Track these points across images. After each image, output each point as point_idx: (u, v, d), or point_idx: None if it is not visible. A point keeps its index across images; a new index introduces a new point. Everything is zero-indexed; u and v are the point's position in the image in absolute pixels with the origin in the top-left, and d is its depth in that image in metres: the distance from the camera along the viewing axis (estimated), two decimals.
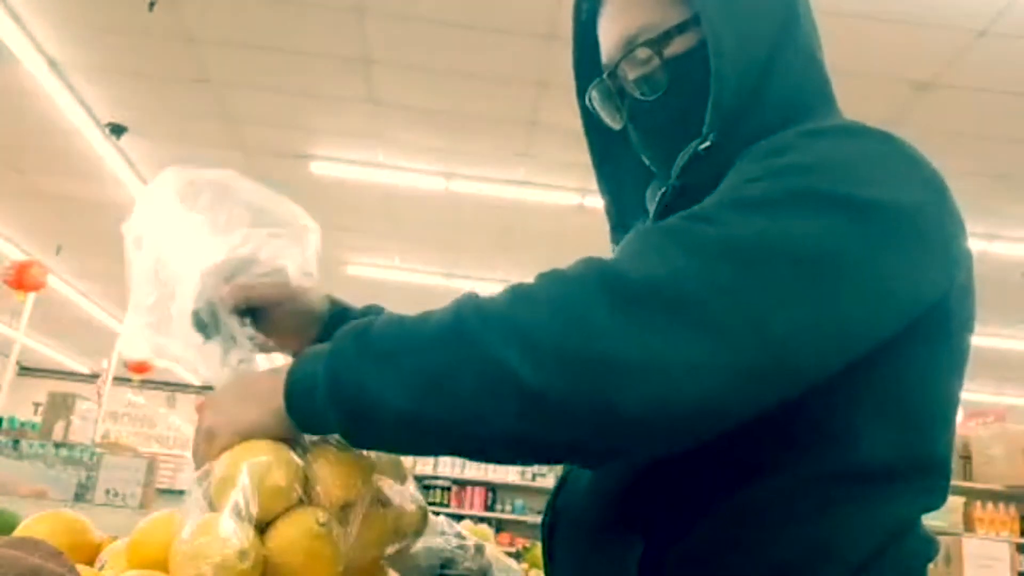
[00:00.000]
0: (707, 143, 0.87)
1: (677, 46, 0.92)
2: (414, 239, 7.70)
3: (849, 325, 0.71)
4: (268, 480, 0.74)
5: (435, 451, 0.77)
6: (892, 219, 0.73)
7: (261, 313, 0.99)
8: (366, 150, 6.10)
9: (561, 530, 0.92)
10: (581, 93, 1.03)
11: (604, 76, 0.96)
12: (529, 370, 0.65)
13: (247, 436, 0.77)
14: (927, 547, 0.82)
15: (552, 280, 0.70)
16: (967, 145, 5.27)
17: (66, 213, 7.88)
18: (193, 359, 0.90)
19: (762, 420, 0.72)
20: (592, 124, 1.04)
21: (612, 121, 0.99)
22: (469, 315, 0.71)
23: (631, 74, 0.93)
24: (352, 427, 0.73)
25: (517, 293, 0.70)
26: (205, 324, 0.92)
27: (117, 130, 5.97)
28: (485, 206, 6.56)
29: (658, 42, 0.92)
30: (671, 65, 0.92)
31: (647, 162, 0.99)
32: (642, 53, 0.92)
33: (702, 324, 0.65)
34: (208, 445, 0.79)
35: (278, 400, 0.76)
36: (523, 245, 7.44)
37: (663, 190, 0.93)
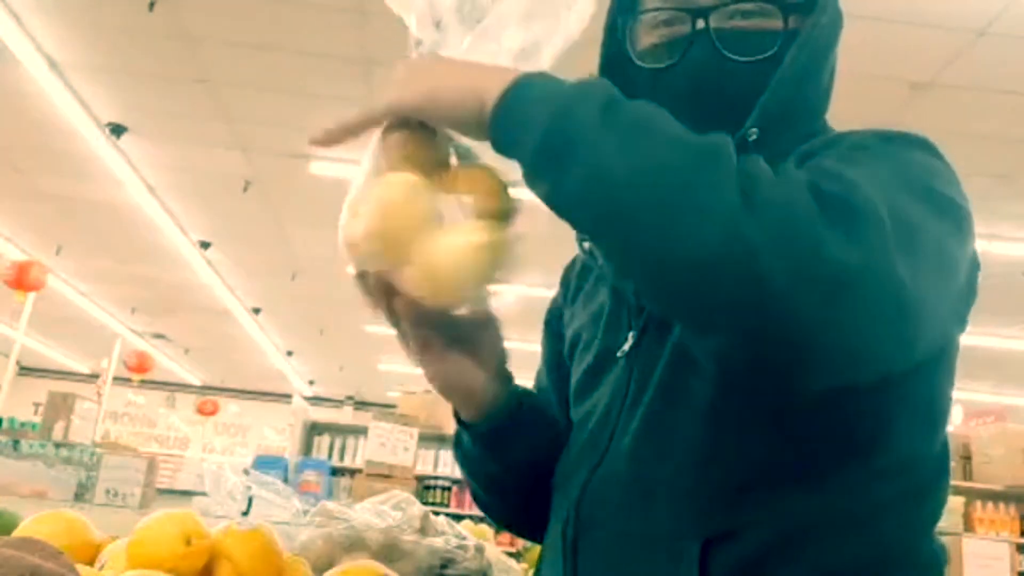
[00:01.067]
0: (754, 135, 0.85)
1: (793, 21, 0.89)
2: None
3: (952, 320, 0.75)
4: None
5: (606, 238, 0.69)
6: (969, 222, 0.76)
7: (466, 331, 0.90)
8: (366, 150, 6.09)
9: (593, 540, 0.84)
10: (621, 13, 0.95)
11: (679, 8, 0.88)
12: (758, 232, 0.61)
13: (428, 104, 0.74)
14: (943, 547, 0.86)
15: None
16: (967, 145, 5.27)
17: (66, 213, 7.89)
18: None
19: (822, 422, 0.73)
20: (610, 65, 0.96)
21: (655, 58, 0.90)
22: (727, 154, 0.65)
23: (729, 22, 0.87)
24: (554, 169, 0.68)
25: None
26: None
27: (117, 130, 5.97)
28: None
29: (784, 7, 0.88)
30: (782, 36, 0.87)
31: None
32: (762, 10, 0.87)
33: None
34: (400, 87, 0.75)
35: (492, 94, 0.72)
36: (523, 245, 7.42)
37: None
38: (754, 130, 0.85)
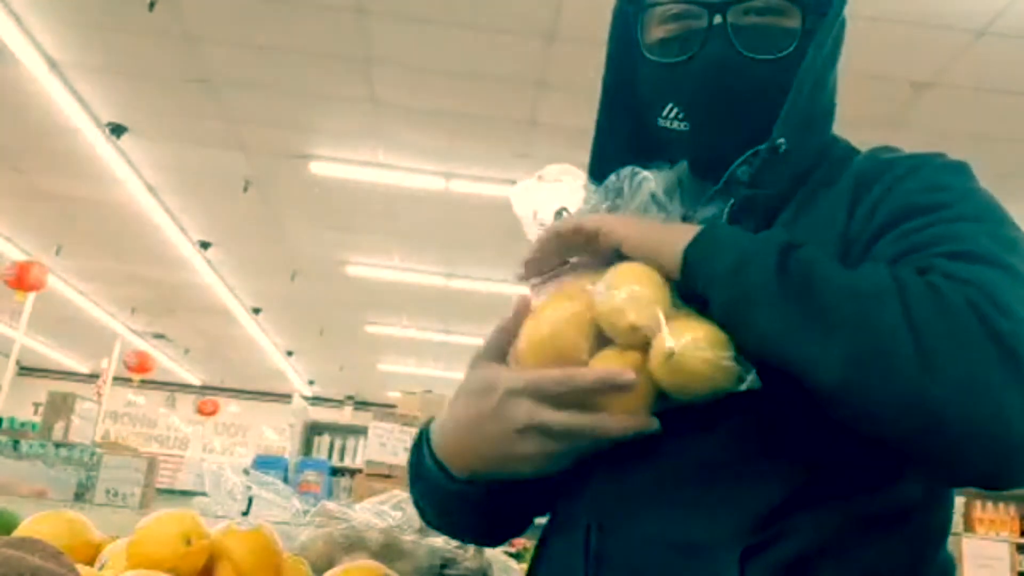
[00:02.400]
0: (784, 147, 0.85)
1: (812, 20, 0.89)
2: (414, 239, 7.71)
3: None
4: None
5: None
6: None
7: None
8: (366, 150, 6.10)
9: (621, 548, 0.81)
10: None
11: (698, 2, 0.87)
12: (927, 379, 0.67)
13: (642, 247, 0.79)
14: (952, 557, 0.89)
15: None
16: (967, 145, 5.25)
17: (66, 213, 7.89)
18: None
19: (866, 445, 0.74)
20: (611, 62, 0.97)
21: (667, 51, 0.89)
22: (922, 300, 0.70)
23: (746, 18, 0.86)
24: (741, 319, 0.74)
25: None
26: None
27: (117, 130, 5.97)
28: (485, 206, 6.56)
29: (803, 5, 0.88)
30: (799, 35, 0.88)
31: (674, 127, 0.90)
32: (779, 7, 0.87)
33: None
34: (615, 222, 0.80)
35: (677, 243, 0.77)
36: (523, 245, 7.42)
37: (731, 202, 0.88)
38: (782, 140, 0.85)
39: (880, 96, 4.77)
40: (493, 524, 0.96)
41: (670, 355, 0.73)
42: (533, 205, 0.92)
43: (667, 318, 0.75)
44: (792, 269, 0.72)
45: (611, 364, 0.76)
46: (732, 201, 0.88)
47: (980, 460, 0.68)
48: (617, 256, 0.81)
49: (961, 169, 0.85)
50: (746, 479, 0.78)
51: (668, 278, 0.78)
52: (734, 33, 0.85)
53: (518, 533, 0.99)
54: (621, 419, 0.76)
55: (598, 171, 0.92)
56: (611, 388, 0.74)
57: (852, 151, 0.93)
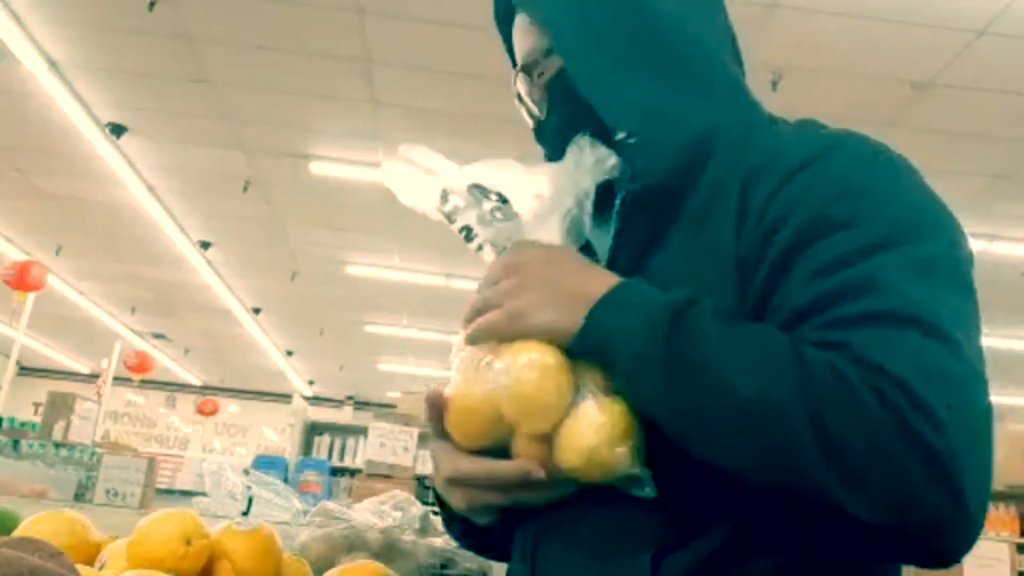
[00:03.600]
0: (632, 139, 0.85)
1: (549, 70, 0.94)
2: (414, 239, 7.70)
3: None
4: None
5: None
6: (967, 260, 0.76)
7: None
8: (366, 150, 6.10)
9: (551, 548, 0.86)
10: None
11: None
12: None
13: (539, 336, 0.77)
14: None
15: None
16: (967, 145, 5.27)
17: (66, 213, 7.89)
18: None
19: None
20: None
21: (534, 114, 0.98)
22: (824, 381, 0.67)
23: (525, 95, 0.97)
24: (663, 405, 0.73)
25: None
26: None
27: (117, 130, 5.97)
28: None
29: (530, 68, 0.95)
30: (547, 88, 0.94)
31: None
32: (522, 80, 0.96)
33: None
34: (509, 325, 0.79)
35: (574, 322, 0.76)
36: None
37: (621, 197, 0.87)
38: (623, 134, 0.85)
39: (880, 96, 4.77)
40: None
41: (565, 467, 0.75)
42: (417, 206, 0.92)
43: (568, 407, 0.75)
44: (681, 367, 0.70)
45: (524, 449, 0.78)
46: (618, 202, 0.86)
47: (917, 560, 0.69)
48: None
49: (876, 156, 0.78)
50: (657, 484, 0.77)
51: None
52: (531, 106, 0.97)
53: None
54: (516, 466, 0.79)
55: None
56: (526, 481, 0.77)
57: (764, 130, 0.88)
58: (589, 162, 0.84)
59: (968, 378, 0.68)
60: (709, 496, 0.75)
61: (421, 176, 0.90)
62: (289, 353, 13.52)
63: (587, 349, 0.75)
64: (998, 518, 6.12)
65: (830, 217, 0.73)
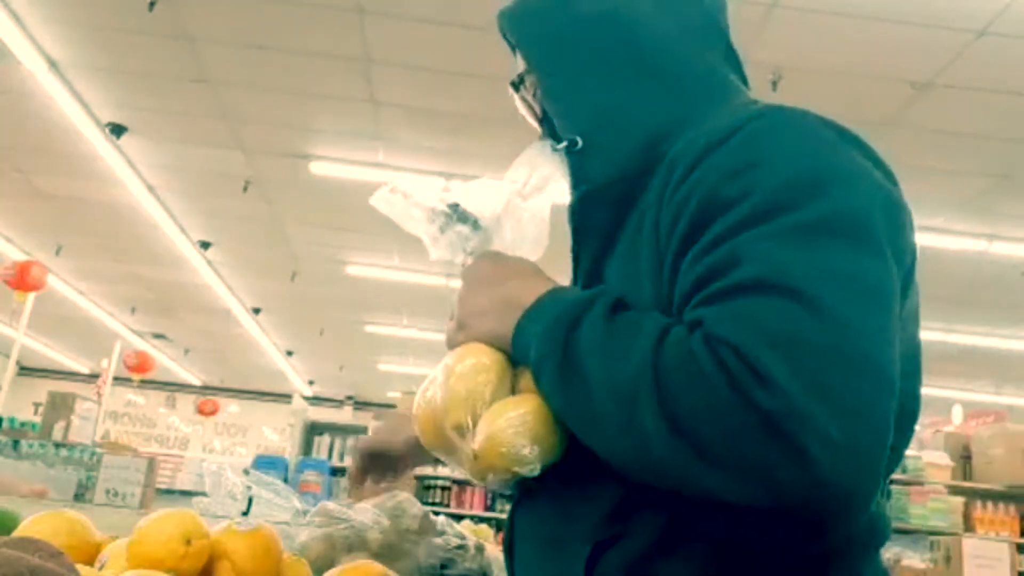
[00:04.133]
0: (578, 144, 0.91)
1: (532, 83, 1.01)
2: (414, 239, 7.66)
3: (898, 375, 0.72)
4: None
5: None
6: (872, 222, 0.73)
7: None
8: (366, 150, 6.10)
9: (520, 543, 0.93)
10: None
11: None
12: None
13: (484, 342, 0.86)
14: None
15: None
16: (967, 145, 5.27)
17: (66, 213, 7.89)
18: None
19: None
20: None
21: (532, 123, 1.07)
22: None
23: (521, 107, 1.05)
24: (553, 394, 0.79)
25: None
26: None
27: (117, 130, 5.97)
28: None
29: (517, 84, 1.04)
30: (537, 100, 1.01)
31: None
32: (515, 94, 1.05)
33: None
34: (457, 334, 0.89)
35: (509, 329, 0.83)
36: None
37: (570, 202, 0.96)
38: (574, 139, 0.92)
39: (880, 96, 4.77)
40: None
41: (474, 456, 0.81)
42: (405, 210, 1.02)
43: (492, 400, 0.82)
44: (568, 367, 0.75)
45: (464, 453, 0.83)
46: (569, 207, 0.95)
47: (796, 528, 0.67)
48: None
49: (781, 126, 0.76)
50: (595, 482, 0.82)
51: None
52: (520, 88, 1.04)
53: None
54: None
55: None
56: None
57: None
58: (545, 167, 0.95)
59: (828, 335, 0.64)
60: (640, 489, 0.76)
61: (409, 203, 1.00)
62: (289, 353, 13.52)
63: (518, 354, 0.83)
64: (998, 518, 6.12)
65: (720, 198, 0.72)
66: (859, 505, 0.65)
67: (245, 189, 6.84)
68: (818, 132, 0.76)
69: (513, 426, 0.80)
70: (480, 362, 0.84)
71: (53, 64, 5.19)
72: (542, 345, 0.78)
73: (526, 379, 0.83)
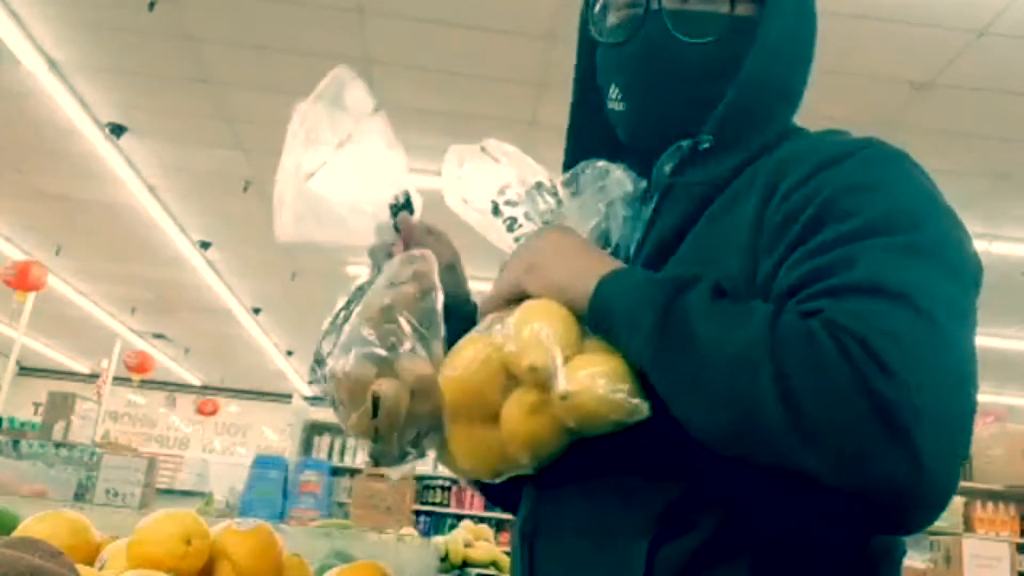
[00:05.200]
0: (705, 144, 0.89)
1: (744, 7, 0.92)
2: None
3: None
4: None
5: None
6: (965, 244, 0.80)
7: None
8: None
9: (549, 535, 0.89)
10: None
11: None
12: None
13: (549, 294, 0.82)
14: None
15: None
16: (967, 145, 5.26)
17: (66, 213, 7.88)
18: None
19: None
20: (581, 64, 1.03)
21: (614, 35, 0.94)
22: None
23: (681, 4, 0.91)
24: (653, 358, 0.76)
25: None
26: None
27: (117, 130, 5.97)
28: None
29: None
30: (731, 21, 0.91)
31: (615, 107, 0.95)
32: None
33: None
34: (525, 275, 0.84)
35: (586, 286, 0.80)
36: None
37: (651, 194, 0.93)
38: (707, 139, 0.89)
39: (880, 96, 4.77)
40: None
41: (564, 397, 0.75)
42: (462, 192, 1.00)
43: (570, 355, 0.77)
44: (671, 327, 0.73)
45: (514, 406, 0.79)
46: (656, 192, 0.92)
47: (872, 521, 0.70)
48: None
49: (893, 158, 0.83)
50: (654, 475, 0.81)
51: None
52: (669, 17, 0.90)
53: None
54: None
55: (571, 166, 0.99)
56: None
57: (803, 137, 0.94)
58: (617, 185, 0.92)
59: (940, 348, 0.68)
60: (701, 483, 0.78)
61: (482, 168, 0.97)
62: (289, 353, 13.51)
63: (595, 313, 0.79)
64: (998, 518, 6.12)
65: (836, 209, 0.77)
66: (939, 505, 0.69)
67: (245, 189, 6.83)
68: (920, 171, 0.83)
69: (613, 372, 0.76)
70: (560, 311, 0.80)
71: (53, 64, 5.19)
72: (637, 305, 0.75)
73: (591, 342, 0.80)
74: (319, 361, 0.88)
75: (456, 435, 0.83)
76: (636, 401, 0.75)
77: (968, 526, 6.00)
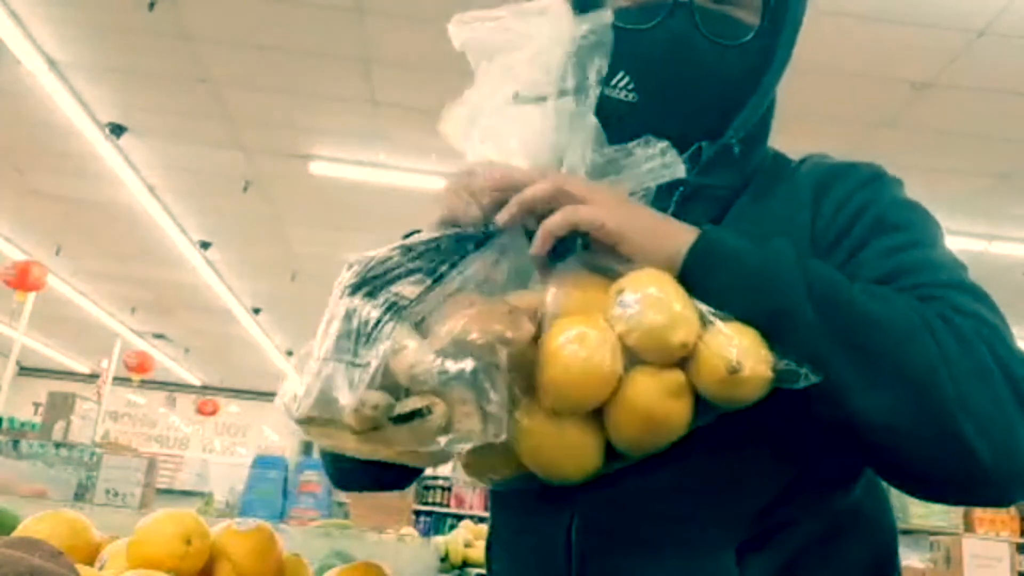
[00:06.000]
0: (735, 148, 0.90)
1: (768, 19, 0.90)
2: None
3: None
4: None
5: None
6: None
7: None
8: (366, 150, 6.10)
9: (607, 547, 0.80)
10: None
11: None
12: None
13: (638, 248, 0.75)
14: None
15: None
16: (967, 145, 5.26)
17: (66, 213, 7.88)
18: None
19: (848, 443, 0.77)
20: None
21: (629, 19, 0.88)
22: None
23: (712, 4, 0.87)
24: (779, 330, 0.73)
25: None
26: None
27: (117, 130, 5.97)
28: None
29: (766, 3, 0.89)
30: (759, 31, 0.89)
31: (621, 96, 0.89)
32: (749, 1, 0.88)
33: None
34: (612, 219, 0.75)
35: (686, 239, 0.76)
36: None
37: (680, 188, 0.88)
38: (735, 141, 0.89)
39: (880, 96, 4.77)
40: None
41: (734, 371, 0.69)
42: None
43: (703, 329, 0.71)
44: (816, 288, 0.73)
45: (653, 392, 0.71)
46: (681, 189, 0.88)
47: (996, 489, 0.73)
48: (583, 245, 0.77)
49: (901, 183, 0.92)
50: (739, 480, 0.79)
51: None
52: (699, 12, 0.86)
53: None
54: None
55: None
56: None
57: (782, 155, 0.98)
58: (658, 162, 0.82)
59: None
60: (787, 496, 0.79)
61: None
62: (289, 353, 13.51)
63: (704, 262, 0.74)
64: (998, 518, 6.12)
65: (889, 220, 0.85)
66: None
67: (245, 189, 6.83)
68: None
69: (755, 344, 0.71)
70: (673, 280, 0.73)
71: (53, 64, 5.19)
72: (765, 262, 0.74)
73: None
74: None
75: (540, 432, 0.74)
76: (795, 367, 0.69)
77: (968, 526, 6.00)
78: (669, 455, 0.76)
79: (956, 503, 0.82)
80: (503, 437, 0.69)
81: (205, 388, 16.42)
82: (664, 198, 0.86)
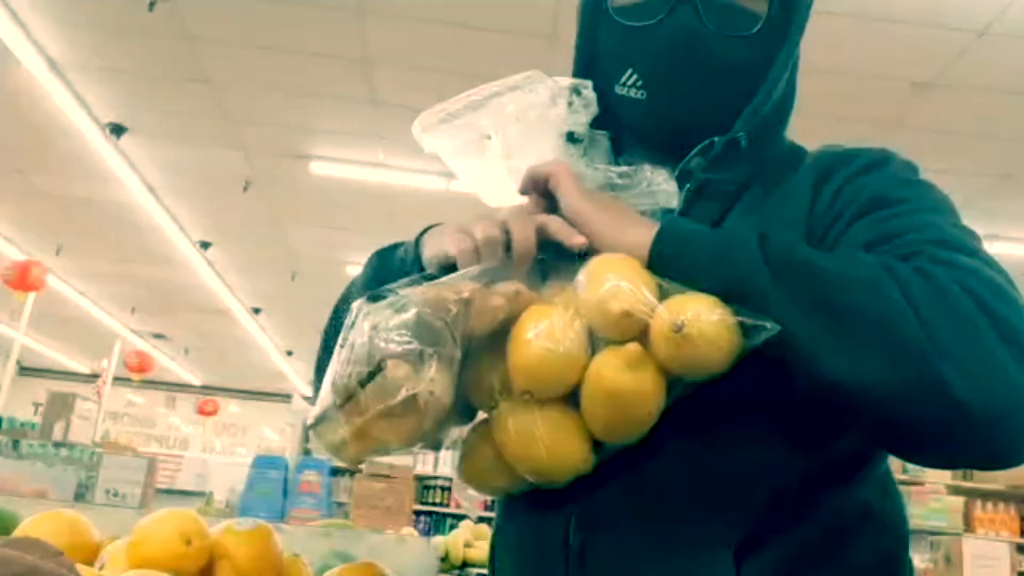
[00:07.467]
0: (741, 140, 0.88)
1: (776, 10, 0.89)
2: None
3: None
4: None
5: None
6: None
7: None
8: (366, 150, 6.09)
9: (608, 544, 0.80)
10: None
11: None
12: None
13: (613, 222, 0.79)
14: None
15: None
16: (967, 145, 5.26)
17: (66, 213, 7.88)
18: None
19: (850, 433, 0.77)
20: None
21: (633, 15, 0.88)
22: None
23: None
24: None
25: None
26: None
27: (117, 130, 5.97)
28: (485, 206, 6.55)
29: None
30: (767, 22, 0.88)
31: (631, 94, 0.89)
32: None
33: None
34: (589, 206, 0.80)
35: (648, 235, 0.78)
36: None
37: (688, 186, 0.88)
38: (742, 135, 0.87)
39: (880, 96, 4.77)
40: None
41: (678, 328, 0.69)
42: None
43: (658, 299, 0.72)
44: (773, 255, 0.72)
45: (612, 367, 0.72)
46: (688, 186, 0.88)
47: (994, 442, 0.68)
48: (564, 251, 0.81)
49: (915, 167, 0.89)
50: (736, 479, 0.78)
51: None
52: (702, 6, 0.85)
53: None
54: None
55: None
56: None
57: (799, 147, 0.96)
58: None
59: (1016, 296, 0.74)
60: (784, 493, 0.77)
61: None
62: (289, 353, 13.51)
63: (667, 248, 0.76)
64: (998, 518, 6.12)
65: (892, 196, 0.82)
66: None
67: (245, 189, 6.83)
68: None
69: (716, 303, 0.71)
70: (634, 262, 0.75)
71: (53, 64, 5.19)
72: (725, 242, 0.74)
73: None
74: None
75: (518, 424, 0.76)
76: (753, 321, 0.69)
77: (968, 526, 6.01)
78: (668, 454, 0.77)
79: (964, 465, 0.76)
80: (453, 375, 0.73)
81: (205, 388, 16.41)
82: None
